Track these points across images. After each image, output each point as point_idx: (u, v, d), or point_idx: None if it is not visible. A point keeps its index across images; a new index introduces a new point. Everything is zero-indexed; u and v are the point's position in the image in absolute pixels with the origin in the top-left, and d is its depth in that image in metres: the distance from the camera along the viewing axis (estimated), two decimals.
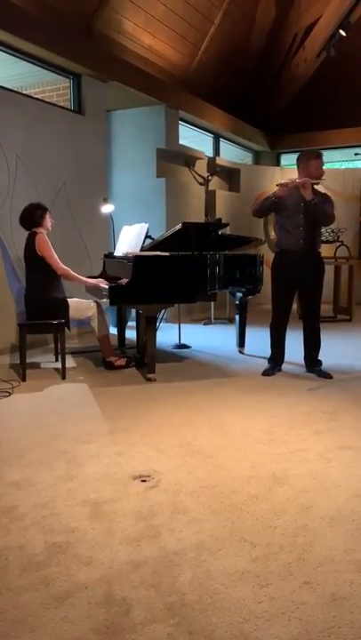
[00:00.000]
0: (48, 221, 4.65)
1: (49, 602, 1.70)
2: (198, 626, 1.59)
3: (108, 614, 1.64)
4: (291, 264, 4.36)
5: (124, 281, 4.40)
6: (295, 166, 4.47)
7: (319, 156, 4.35)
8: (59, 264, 4.48)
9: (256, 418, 3.45)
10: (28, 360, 4.53)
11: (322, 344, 4.56)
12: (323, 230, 7.14)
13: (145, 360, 4.55)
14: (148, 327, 4.39)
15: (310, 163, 4.31)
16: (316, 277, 4.46)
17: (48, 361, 5.01)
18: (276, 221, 4.51)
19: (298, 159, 4.44)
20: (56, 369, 4.64)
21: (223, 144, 9.57)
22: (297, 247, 4.33)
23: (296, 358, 4.67)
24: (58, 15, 5.77)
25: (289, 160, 10.23)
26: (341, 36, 8.23)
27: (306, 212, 4.28)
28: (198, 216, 7.65)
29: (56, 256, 4.48)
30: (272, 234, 8.80)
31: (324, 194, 4.43)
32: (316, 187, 4.30)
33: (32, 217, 4.58)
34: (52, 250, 4.48)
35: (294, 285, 4.48)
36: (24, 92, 6.28)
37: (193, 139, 8.70)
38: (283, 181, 4.35)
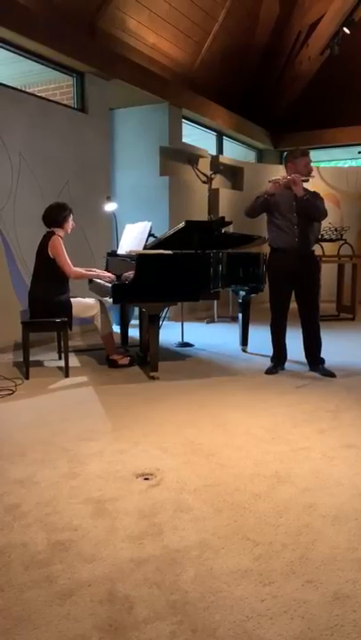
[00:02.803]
0: (69, 224, 4.63)
1: (52, 599, 1.70)
2: (201, 624, 1.59)
3: (110, 612, 1.65)
4: (286, 263, 4.36)
5: (130, 274, 4.39)
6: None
7: (306, 154, 4.44)
8: (71, 268, 4.48)
9: (259, 416, 3.45)
10: (32, 358, 4.54)
11: (325, 343, 4.55)
12: (326, 229, 7.18)
13: (148, 358, 4.55)
14: (150, 325, 4.39)
15: (298, 161, 4.37)
16: (312, 276, 4.46)
17: (51, 359, 5.01)
18: (268, 221, 4.50)
19: (285, 158, 4.52)
20: (59, 367, 4.65)
21: (226, 142, 9.56)
22: (292, 246, 4.32)
23: (300, 357, 4.66)
24: (61, 13, 5.77)
25: None
26: (345, 33, 8.21)
27: (299, 210, 4.29)
28: (201, 214, 7.63)
29: (69, 261, 4.48)
30: None
31: (314, 191, 4.44)
32: (305, 184, 4.32)
33: (55, 216, 4.56)
34: (65, 254, 4.46)
35: (290, 284, 4.45)
36: (27, 90, 6.28)
37: (196, 137, 8.69)
38: (274, 178, 4.40)
